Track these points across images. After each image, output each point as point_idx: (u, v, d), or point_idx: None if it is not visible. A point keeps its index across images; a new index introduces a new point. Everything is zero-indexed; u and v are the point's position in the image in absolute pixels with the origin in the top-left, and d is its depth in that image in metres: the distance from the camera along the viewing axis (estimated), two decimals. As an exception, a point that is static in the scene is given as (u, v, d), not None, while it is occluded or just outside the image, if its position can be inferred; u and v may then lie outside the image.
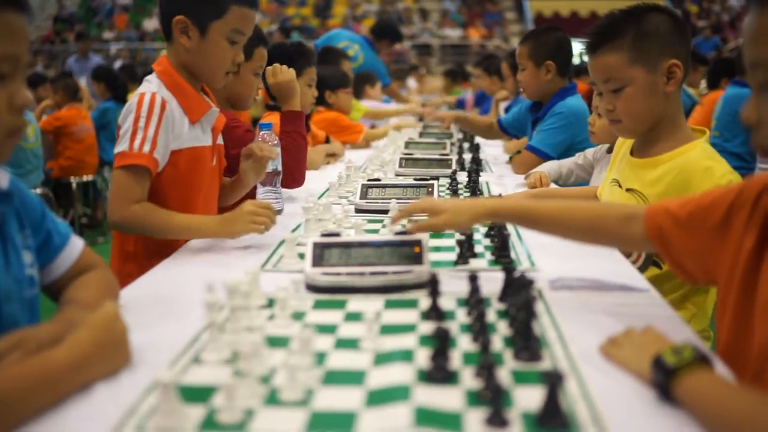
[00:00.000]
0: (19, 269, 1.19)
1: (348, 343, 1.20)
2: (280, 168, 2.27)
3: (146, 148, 1.80)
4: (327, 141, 3.76)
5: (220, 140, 2.17)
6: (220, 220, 1.86)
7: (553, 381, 0.90)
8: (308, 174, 3.11)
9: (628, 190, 1.90)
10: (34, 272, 1.24)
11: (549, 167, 2.92)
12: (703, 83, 7.00)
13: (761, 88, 1.03)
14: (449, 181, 2.67)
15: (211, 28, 1.92)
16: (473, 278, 1.34)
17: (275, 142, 2.25)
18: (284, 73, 2.58)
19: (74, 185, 6.27)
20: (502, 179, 3.06)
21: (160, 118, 1.84)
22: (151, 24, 18.53)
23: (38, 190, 5.45)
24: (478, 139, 4.27)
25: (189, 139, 1.95)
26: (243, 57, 2.03)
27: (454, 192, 2.53)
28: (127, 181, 1.79)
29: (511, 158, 3.47)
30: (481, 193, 2.57)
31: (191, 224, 1.84)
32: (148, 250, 1.93)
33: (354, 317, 1.31)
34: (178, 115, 1.91)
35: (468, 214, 1.54)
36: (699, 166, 1.75)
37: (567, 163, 2.94)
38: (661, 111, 1.84)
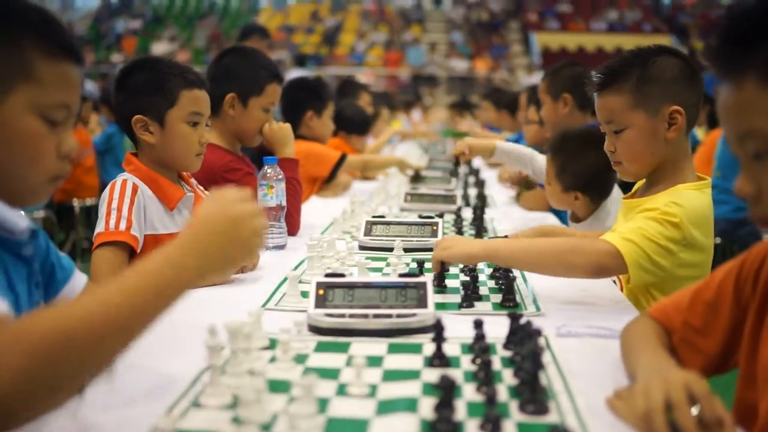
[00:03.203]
0: (32, 307, 1.20)
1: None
2: (284, 203, 2.26)
3: (122, 226, 1.85)
4: (334, 175, 3.69)
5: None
6: None
7: (560, 439, 0.88)
8: (312, 207, 3.12)
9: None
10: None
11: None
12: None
13: (755, 158, 1.01)
14: (454, 217, 2.66)
15: (168, 118, 1.98)
16: (478, 324, 1.32)
17: (279, 176, 2.25)
18: (280, 126, 2.63)
19: (77, 209, 6.27)
20: (507, 215, 3.05)
21: (132, 201, 1.89)
22: (160, 48, 18.70)
23: (41, 213, 5.45)
24: (483, 175, 4.27)
25: (169, 225, 1.98)
26: (207, 137, 2.07)
27: (459, 230, 2.51)
28: (106, 256, 1.82)
29: (518, 195, 3.46)
30: (486, 231, 2.56)
31: None
32: None
33: (357, 361, 1.29)
34: (151, 202, 1.95)
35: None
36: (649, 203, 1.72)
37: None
38: (661, 156, 1.79)
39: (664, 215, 1.65)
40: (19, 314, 1.13)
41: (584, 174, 2.48)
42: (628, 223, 1.70)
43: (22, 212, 1.19)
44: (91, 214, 6.51)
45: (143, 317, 0.95)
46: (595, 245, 1.65)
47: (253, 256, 1.07)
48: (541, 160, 2.95)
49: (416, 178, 3.86)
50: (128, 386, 1.12)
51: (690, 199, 1.70)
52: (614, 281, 1.91)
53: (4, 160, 1.08)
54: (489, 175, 4.40)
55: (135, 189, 1.91)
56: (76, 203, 6.26)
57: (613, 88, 1.82)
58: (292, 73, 6.89)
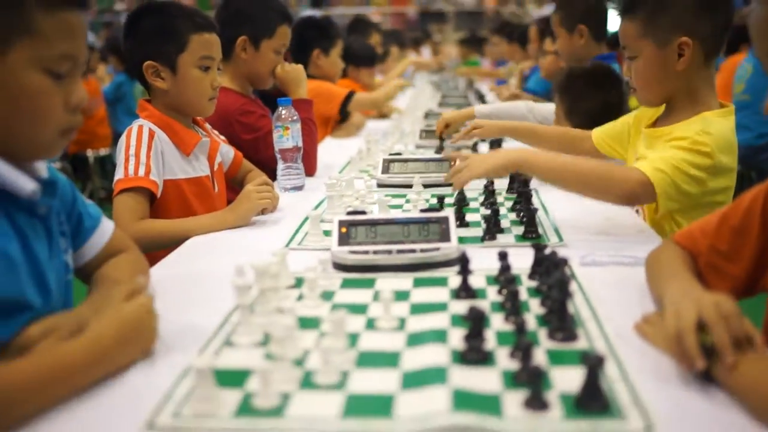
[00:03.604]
0: (58, 258, 1.19)
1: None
2: (300, 144, 2.25)
3: (141, 172, 1.84)
4: (343, 113, 3.68)
5: (228, 150, 2.23)
6: (228, 210, 1.89)
7: (593, 364, 0.89)
8: (329, 147, 3.11)
9: (637, 159, 1.87)
10: (69, 258, 1.24)
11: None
12: None
13: None
14: (471, 152, 2.64)
15: (179, 63, 1.95)
16: (503, 256, 1.32)
17: (294, 117, 2.23)
18: (292, 67, 2.61)
19: (91, 159, 6.29)
20: (524, 148, 3.02)
21: (149, 146, 1.87)
22: (163, -6, 18.40)
23: (57, 165, 5.47)
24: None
25: (187, 170, 1.98)
26: (219, 80, 2.05)
27: (477, 164, 2.50)
28: (127, 203, 1.81)
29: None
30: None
31: (202, 223, 1.83)
32: None
33: (384, 296, 1.30)
34: (168, 147, 1.94)
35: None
36: (680, 131, 1.70)
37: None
38: (673, 87, 1.78)
39: (695, 144, 1.63)
40: (39, 270, 1.12)
41: (592, 113, 2.46)
42: (659, 151, 1.68)
43: (44, 165, 1.17)
44: (105, 164, 6.54)
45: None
46: (629, 174, 1.64)
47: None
48: (541, 108, 2.92)
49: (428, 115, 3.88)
50: (162, 332, 1.13)
51: (718, 127, 1.69)
52: (637, 210, 1.91)
53: (11, 118, 1.05)
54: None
55: (152, 134, 1.90)
56: (90, 154, 6.27)
57: (630, 14, 1.81)
58: (307, 13, 6.94)
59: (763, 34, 1.03)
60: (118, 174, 1.85)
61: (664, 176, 1.60)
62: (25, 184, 1.09)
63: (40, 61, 1.04)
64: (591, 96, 2.49)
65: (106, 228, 1.35)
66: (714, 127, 1.67)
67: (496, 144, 2.68)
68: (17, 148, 1.09)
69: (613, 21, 2.08)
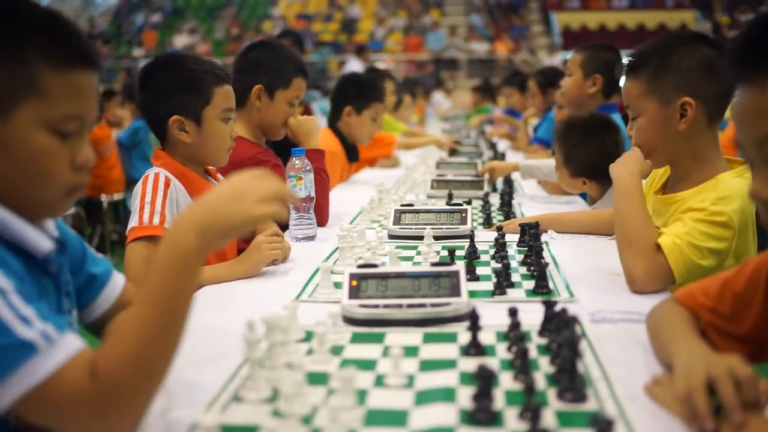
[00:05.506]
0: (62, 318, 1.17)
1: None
2: (313, 194, 2.27)
3: (156, 220, 1.86)
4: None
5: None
6: (239, 261, 1.90)
7: (602, 428, 0.88)
8: (340, 195, 3.12)
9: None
10: (72, 318, 1.22)
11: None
12: None
13: None
14: (482, 203, 2.65)
15: (204, 116, 2.00)
16: (513, 312, 1.32)
17: (307, 167, 2.25)
18: (305, 118, 2.66)
19: (105, 204, 6.33)
20: (535, 200, 3.04)
21: (165, 194, 1.90)
22: (180, 41, 18.73)
23: (71, 209, 5.51)
24: (509, 158, 4.25)
25: None
26: (235, 131, 2.11)
27: (488, 215, 2.51)
28: (140, 251, 1.83)
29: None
30: (514, 216, 2.55)
31: (212, 273, 1.84)
32: None
33: (393, 352, 1.30)
34: (183, 196, 1.96)
35: None
36: (695, 200, 1.71)
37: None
38: (676, 147, 1.79)
39: (712, 215, 1.64)
40: None
41: (588, 161, 2.55)
42: (677, 225, 1.68)
43: (53, 223, 1.16)
44: (119, 209, 6.58)
45: (176, 310, 1.02)
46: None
47: (254, 227, 1.11)
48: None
49: (453, 152, 4.10)
50: (170, 386, 1.13)
51: (736, 187, 1.69)
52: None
53: (16, 177, 1.04)
54: (513, 158, 4.38)
55: (167, 183, 1.92)
56: (104, 198, 6.31)
57: (634, 73, 1.84)
58: (353, 64, 7.22)
59: (748, 122, 1.04)
60: (133, 221, 1.87)
61: (682, 258, 1.62)
62: (42, 243, 1.08)
63: (47, 121, 1.03)
64: (587, 144, 2.56)
65: (117, 282, 1.36)
66: (731, 189, 1.67)
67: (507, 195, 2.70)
68: (23, 208, 1.07)
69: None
